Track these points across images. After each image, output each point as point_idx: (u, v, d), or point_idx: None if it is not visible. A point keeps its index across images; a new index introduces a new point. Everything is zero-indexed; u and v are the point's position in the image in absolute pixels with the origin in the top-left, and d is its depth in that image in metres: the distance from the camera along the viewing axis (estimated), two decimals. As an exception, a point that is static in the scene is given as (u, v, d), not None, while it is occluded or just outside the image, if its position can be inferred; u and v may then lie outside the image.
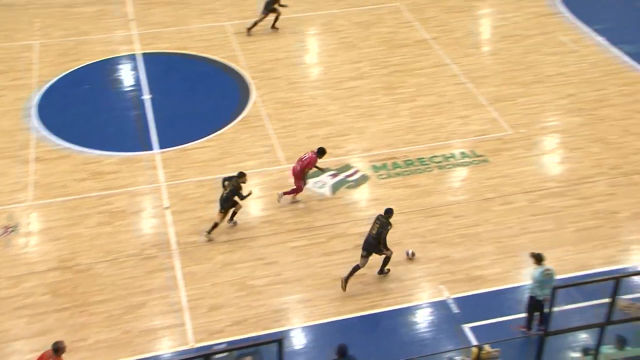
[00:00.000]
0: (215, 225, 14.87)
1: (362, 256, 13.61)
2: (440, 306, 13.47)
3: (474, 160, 17.06)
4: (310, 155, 15.59)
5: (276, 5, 22.33)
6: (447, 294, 13.65)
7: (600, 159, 16.85)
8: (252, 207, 15.70)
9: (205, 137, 18.07)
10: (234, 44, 22.14)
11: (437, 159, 17.14)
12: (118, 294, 13.75)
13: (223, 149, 17.71)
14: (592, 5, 23.61)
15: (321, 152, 15.64)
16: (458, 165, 16.97)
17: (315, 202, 16.03)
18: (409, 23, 23.21)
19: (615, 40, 21.44)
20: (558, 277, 12.46)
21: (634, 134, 17.57)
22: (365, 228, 15.25)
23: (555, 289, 10.57)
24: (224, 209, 14.82)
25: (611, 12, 23.09)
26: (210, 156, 17.46)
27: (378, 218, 13.75)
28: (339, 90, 19.91)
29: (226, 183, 14.87)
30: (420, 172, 16.76)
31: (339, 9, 23.50)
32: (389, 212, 13.71)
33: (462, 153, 17.29)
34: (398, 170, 16.87)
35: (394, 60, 21.20)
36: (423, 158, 17.19)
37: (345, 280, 13.63)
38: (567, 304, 12.65)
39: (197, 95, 19.90)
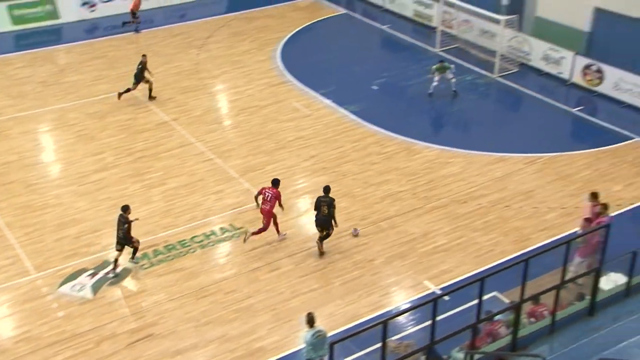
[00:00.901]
0: (116, 260, 15.78)
1: (320, 232, 16.25)
2: (227, 388, 13.17)
3: (235, 234, 17.22)
4: (271, 191, 16.35)
5: (146, 74, 22.72)
6: (231, 374, 13.41)
7: (350, 212, 18.01)
8: (2, 328, 14.12)
9: None
10: (-45, 152, 20.19)
11: (198, 239, 17.02)
12: None
13: (-42, 269, 15.83)
14: (315, 72, 25.55)
15: (276, 182, 16.47)
16: (220, 241, 17.01)
17: (76, 307, 14.92)
18: (146, 107, 23.09)
19: (340, 101, 23.35)
20: (333, 332, 12.90)
21: (373, 184, 19.10)
22: (136, 323, 14.56)
23: (332, 344, 10.89)
24: (121, 246, 15.75)
25: (332, 77, 25.16)
26: (-56, 280, 15.49)
27: (321, 200, 16.06)
28: (84, 185, 19.00)
29: (118, 221, 15.65)
30: (183, 255, 16.48)
31: (68, 102, 22.62)
32: (327, 190, 16.23)
33: (222, 228, 17.37)
34: (160, 257, 16.43)
35: (138, 146, 20.87)
36: (184, 240, 16.95)
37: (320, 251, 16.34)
38: (345, 357, 13.10)
39: None
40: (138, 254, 16.28)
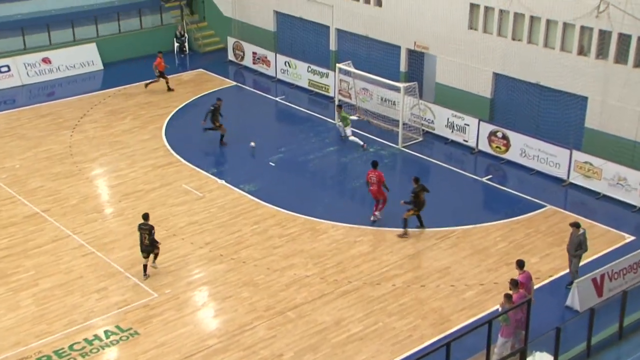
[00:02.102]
0: (145, 266, 18.63)
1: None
2: None
3: (122, 337, 16.65)
4: (375, 174, 20.95)
5: (218, 114, 25.71)
6: None
7: (253, 302, 17.85)
8: None
9: None
10: None
11: (78, 346, 16.37)
12: None
13: None
14: (205, 150, 25.64)
15: (375, 164, 21.30)
16: (105, 346, 16.40)
17: None
18: (11, 198, 22.36)
19: (235, 181, 23.45)
20: None
21: (277, 270, 19.08)
22: None
23: None
24: (147, 253, 18.57)
25: (224, 155, 25.34)
26: None
27: (417, 188, 20.67)
28: (-63, 292, 17.96)
29: (141, 230, 18.50)
30: (62, 366, 15.75)
31: None
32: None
33: (107, 332, 16.78)
34: (34, 370, 15.64)
35: (2, 244, 20.11)
36: (61, 349, 16.26)
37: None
38: None
39: None
40: None
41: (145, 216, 18.73)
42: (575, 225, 18.01)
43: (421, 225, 20.80)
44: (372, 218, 21.19)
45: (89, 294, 18.01)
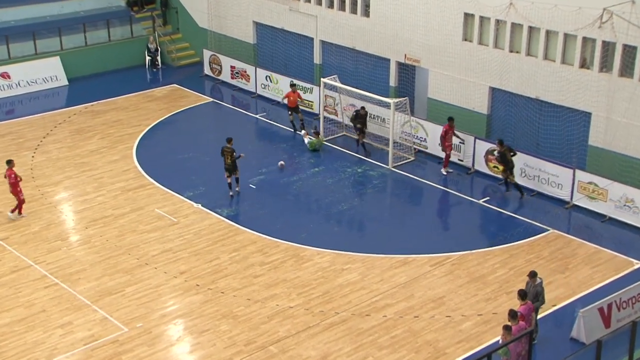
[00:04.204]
0: (230, 184, 23.83)
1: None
2: None
3: (90, 375, 16.64)
4: (446, 128, 25.09)
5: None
6: None
7: (233, 336, 17.85)
8: None
9: None
10: None
11: (41, 386, 16.32)
12: None
13: None
14: (179, 172, 25.73)
15: (451, 119, 25.23)
16: (70, 386, 16.34)
17: None
18: (-32, 225, 22.37)
19: (212, 205, 23.54)
20: None
21: (258, 301, 19.12)
22: None
23: None
24: (230, 172, 23.77)
25: (200, 177, 25.40)
26: None
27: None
28: None
29: (225, 153, 23.52)
30: (23, 409, 15.67)
31: None
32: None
33: (73, 370, 16.76)
34: (-8, 413, 15.54)
35: (-43, 275, 20.08)
36: (23, 389, 16.19)
37: None
38: None
39: None
40: None
41: (229, 139, 23.46)
42: (531, 275, 17.59)
43: (507, 189, 24.29)
44: (443, 171, 25.77)
45: (52, 330, 17.94)
